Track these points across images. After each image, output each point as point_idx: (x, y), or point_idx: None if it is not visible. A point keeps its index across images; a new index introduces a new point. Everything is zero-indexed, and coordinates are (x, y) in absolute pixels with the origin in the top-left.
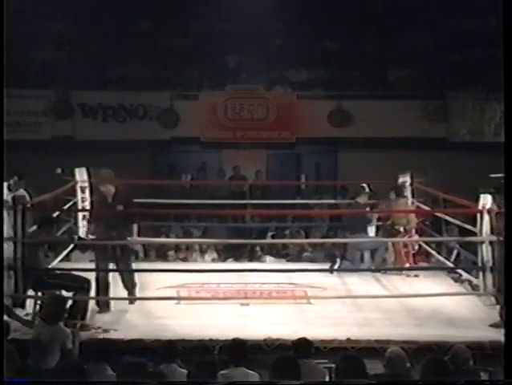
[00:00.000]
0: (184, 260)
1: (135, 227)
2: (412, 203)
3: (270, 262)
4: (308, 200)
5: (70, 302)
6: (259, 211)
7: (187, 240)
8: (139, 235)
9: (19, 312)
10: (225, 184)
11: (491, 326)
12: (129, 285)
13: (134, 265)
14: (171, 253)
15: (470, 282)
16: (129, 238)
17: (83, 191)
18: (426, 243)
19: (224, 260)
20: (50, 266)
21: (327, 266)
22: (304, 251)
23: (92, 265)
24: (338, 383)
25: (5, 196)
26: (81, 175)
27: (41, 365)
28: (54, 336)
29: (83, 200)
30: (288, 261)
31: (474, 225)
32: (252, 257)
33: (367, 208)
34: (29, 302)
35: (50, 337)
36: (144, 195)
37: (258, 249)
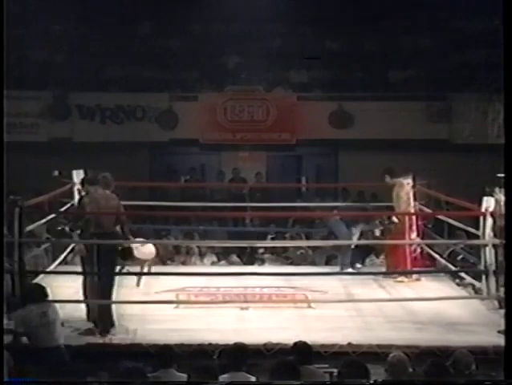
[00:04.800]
0: (184, 263)
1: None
2: (415, 206)
3: (270, 265)
4: (309, 203)
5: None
6: (259, 213)
7: (171, 242)
8: None
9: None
10: (225, 187)
11: (500, 332)
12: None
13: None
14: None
15: (473, 286)
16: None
17: (80, 193)
18: (428, 246)
19: (226, 256)
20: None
21: (327, 270)
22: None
23: None
24: (337, 383)
25: None
26: (79, 177)
27: (50, 342)
28: (53, 308)
29: None
30: (288, 264)
31: (477, 227)
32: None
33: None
34: None
35: (51, 309)
36: (143, 197)
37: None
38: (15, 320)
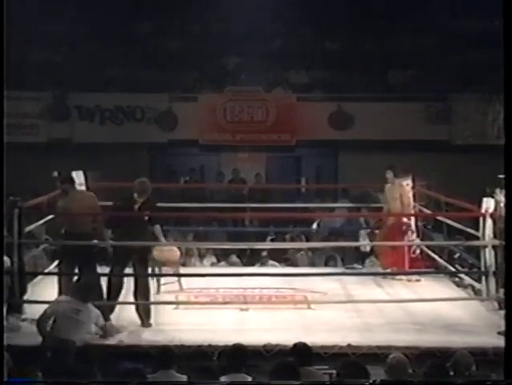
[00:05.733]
0: (183, 264)
1: (158, 231)
2: (414, 207)
3: (272, 266)
4: (308, 204)
5: None
6: (259, 214)
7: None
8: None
9: (16, 317)
10: (225, 187)
11: (500, 333)
12: (143, 313)
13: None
14: None
15: (473, 287)
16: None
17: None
18: (428, 247)
19: (225, 257)
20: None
21: (327, 270)
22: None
23: None
24: (337, 383)
25: None
26: (78, 178)
27: (73, 337)
28: (89, 313)
29: None
30: (288, 265)
31: (477, 229)
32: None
33: None
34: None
35: (87, 313)
36: None
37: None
38: (55, 300)
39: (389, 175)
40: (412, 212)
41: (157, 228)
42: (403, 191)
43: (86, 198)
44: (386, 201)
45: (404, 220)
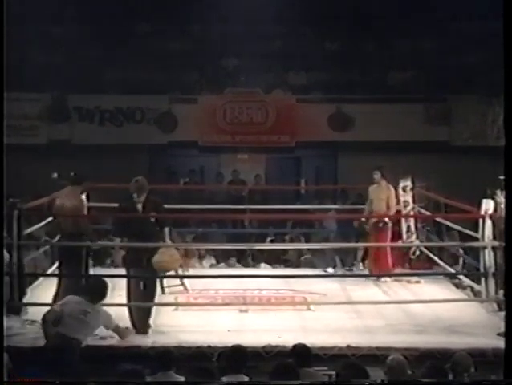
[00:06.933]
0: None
1: (166, 233)
2: (413, 208)
3: (264, 269)
4: (308, 206)
5: None
6: (258, 215)
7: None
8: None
9: (16, 319)
10: (224, 189)
11: (499, 334)
12: (140, 319)
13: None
14: None
15: (472, 288)
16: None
17: None
18: (427, 248)
19: (225, 259)
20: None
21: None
22: (302, 255)
23: None
24: (338, 383)
25: None
26: None
27: (79, 337)
28: (97, 315)
29: None
30: (287, 266)
31: (476, 230)
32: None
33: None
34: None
35: (95, 315)
36: None
37: (249, 257)
38: (64, 300)
39: (376, 175)
40: (412, 213)
41: (165, 231)
42: (390, 193)
43: (69, 199)
44: (369, 201)
45: (386, 220)
